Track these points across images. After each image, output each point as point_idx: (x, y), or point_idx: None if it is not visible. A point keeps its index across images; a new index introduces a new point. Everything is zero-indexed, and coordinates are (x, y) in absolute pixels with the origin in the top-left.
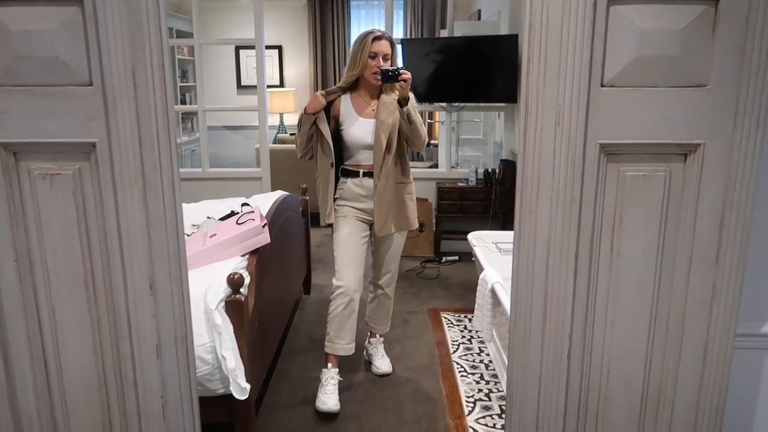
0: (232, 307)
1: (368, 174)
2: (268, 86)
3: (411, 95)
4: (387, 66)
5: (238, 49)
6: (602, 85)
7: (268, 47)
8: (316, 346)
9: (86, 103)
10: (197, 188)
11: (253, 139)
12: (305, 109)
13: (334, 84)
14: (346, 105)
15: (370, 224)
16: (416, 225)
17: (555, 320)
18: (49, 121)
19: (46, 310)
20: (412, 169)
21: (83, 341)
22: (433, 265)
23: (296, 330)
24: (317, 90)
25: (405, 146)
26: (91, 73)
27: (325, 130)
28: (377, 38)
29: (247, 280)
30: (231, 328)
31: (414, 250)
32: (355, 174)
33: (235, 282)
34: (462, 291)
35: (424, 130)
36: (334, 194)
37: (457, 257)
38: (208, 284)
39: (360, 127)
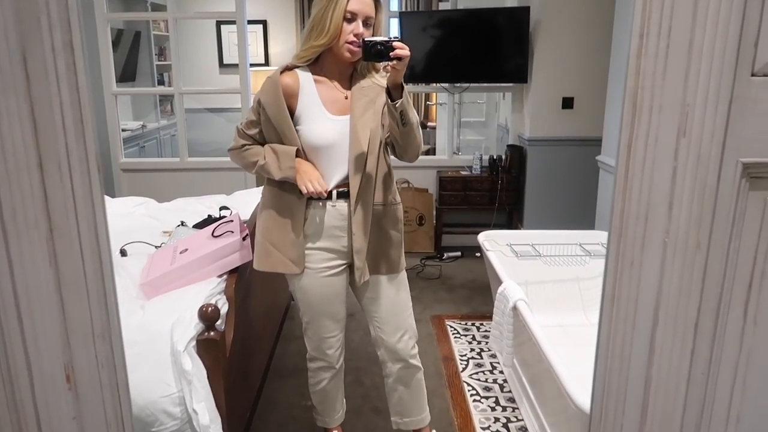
0: (206, 347)
1: (344, 195)
2: (253, 65)
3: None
4: (370, 36)
5: (219, 24)
6: (753, 74)
7: (251, 22)
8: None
9: None
10: (174, 180)
11: (237, 122)
12: (298, 177)
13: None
14: (307, 91)
15: (350, 266)
16: (403, 267)
17: (660, 415)
18: None
19: None
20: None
21: None
22: (434, 262)
23: (285, 345)
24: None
25: (388, 153)
26: None
27: (291, 132)
28: None
29: (224, 309)
30: (204, 373)
31: (413, 245)
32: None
33: (208, 316)
34: (467, 293)
35: (420, 134)
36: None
37: (459, 253)
38: (176, 317)
39: (329, 125)
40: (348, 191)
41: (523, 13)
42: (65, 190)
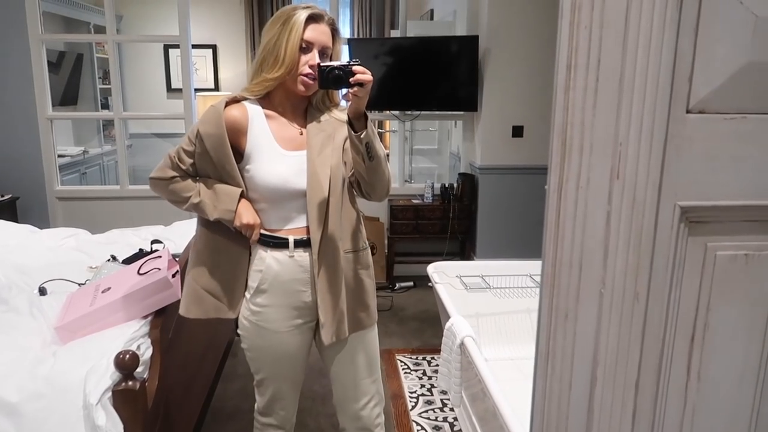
0: (123, 398)
1: (303, 243)
2: (203, 89)
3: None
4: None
5: (167, 48)
6: (688, 111)
7: (201, 46)
8: (251, 408)
9: None
10: (114, 209)
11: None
12: (236, 219)
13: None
14: (257, 126)
15: (314, 322)
16: (376, 317)
17: None
18: None
19: None
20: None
21: None
22: (386, 293)
23: (226, 384)
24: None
25: (352, 193)
26: None
27: (232, 167)
28: (314, 18)
29: (147, 355)
30: (120, 428)
31: None
32: (281, 245)
33: (125, 364)
34: (418, 325)
35: (389, 169)
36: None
37: (411, 283)
38: (91, 366)
39: (283, 161)
40: (308, 239)
41: (471, 42)
42: None
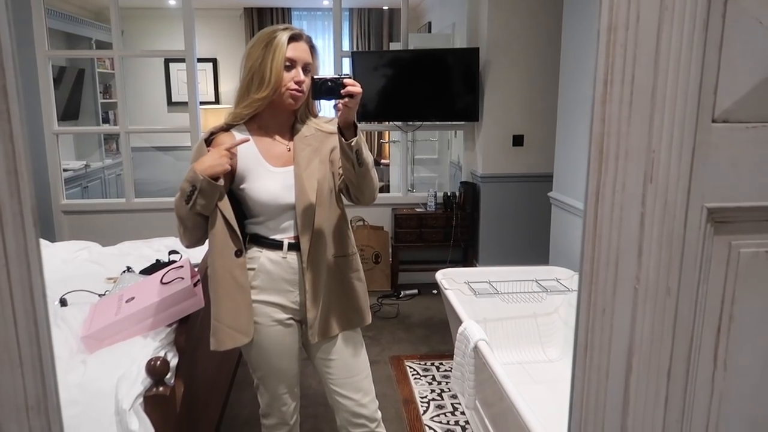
0: (154, 404)
1: (296, 247)
2: (202, 103)
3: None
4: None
5: (167, 62)
6: (713, 121)
7: (201, 60)
8: None
9: None
10: (121, 222)
11: (187, 161)
12: (199, 172)
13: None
14: (246, 149)
15: (301, 322)
16: (370, 319)
17: None
18: None
19: None
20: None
21: None
22: (391, 300)
23: (239, 393)
24: None
25: (342, 201)
26: None
27: (224, 204)
28: (294, 38)
29: (174, 361)
30: None
31: (370, 284)
32: (275, 246)
33: (156, 371)
34: (425, 331)
35: (376, 174)
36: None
37: (416, 290)
38: (122, 373)
39: (274, 180)
40: (299, 244)
41: (472, 54)
42: None
